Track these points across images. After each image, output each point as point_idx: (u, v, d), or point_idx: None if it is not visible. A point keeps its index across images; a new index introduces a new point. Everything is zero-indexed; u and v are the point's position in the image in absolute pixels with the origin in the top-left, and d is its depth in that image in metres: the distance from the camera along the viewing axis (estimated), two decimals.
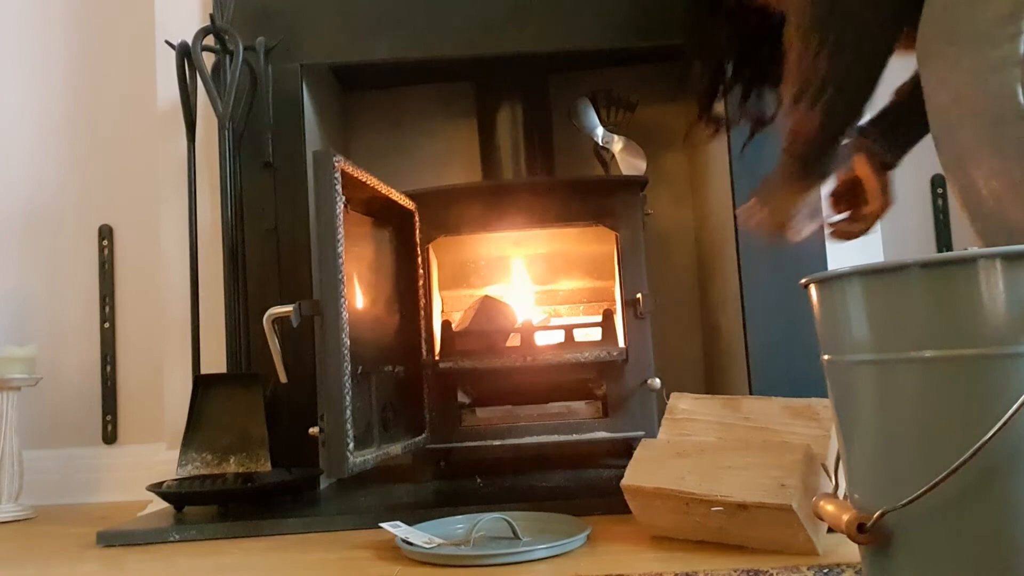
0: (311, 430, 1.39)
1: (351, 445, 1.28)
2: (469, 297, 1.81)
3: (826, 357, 0.77)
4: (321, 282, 1.31)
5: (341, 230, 1.29)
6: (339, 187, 1.32)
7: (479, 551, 1.04)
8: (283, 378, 1.39)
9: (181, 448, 1.48)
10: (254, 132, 1.63)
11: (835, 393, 0.77)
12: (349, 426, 1.27)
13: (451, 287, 1.83)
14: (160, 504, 1.50)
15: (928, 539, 0.67)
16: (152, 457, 1.67)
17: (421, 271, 1.68)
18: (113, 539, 1.30)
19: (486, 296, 1.75)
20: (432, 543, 1.07)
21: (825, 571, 0.88)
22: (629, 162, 1.78)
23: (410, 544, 1.07)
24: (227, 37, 1.61)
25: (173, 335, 1.64)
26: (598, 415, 1.65)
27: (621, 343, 1.64)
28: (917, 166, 1.94)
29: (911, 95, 1.05)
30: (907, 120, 1.09)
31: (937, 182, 1.88)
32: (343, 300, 1.29)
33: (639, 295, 1.62)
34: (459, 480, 1.59)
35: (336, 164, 1.33)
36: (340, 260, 1.29)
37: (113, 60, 2.02)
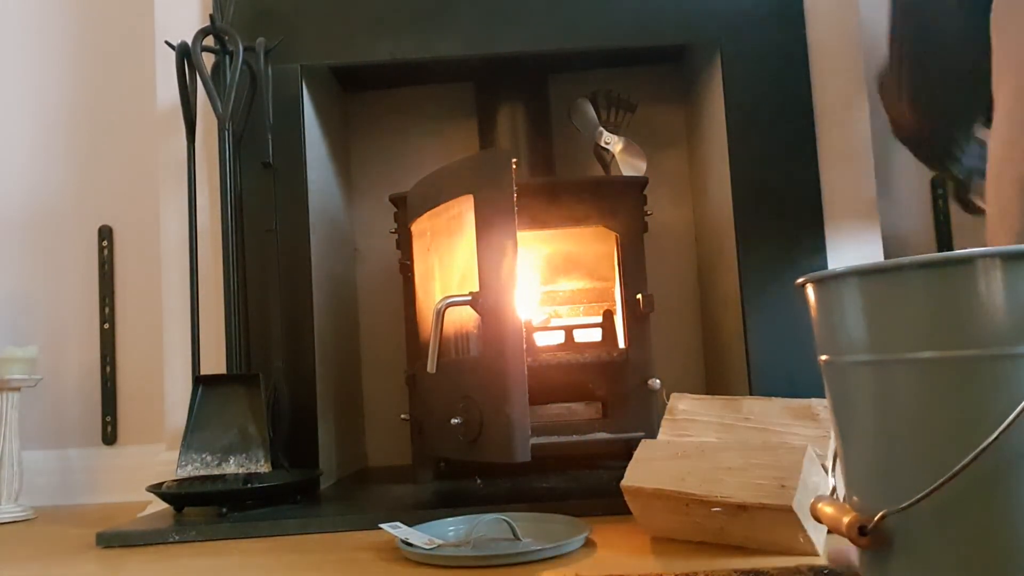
0: (452, 421, 1.41)
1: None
2: None
3: (823, 358, 0.77)
4: (502, 272, 1.35)
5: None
6: (514, 186, 1.36)
7: (479, 552, 1.04)
8: (432, 368, 1.39)
9: (181, 449, 1.48)
10: (254, 132, 1.63)
11: (833, 394, 0.77)
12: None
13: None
14: (160, 505, 1.50)
15: (929, 541, 0.66)
16: (152, 458, 1.67)
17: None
18: (113, 540, 1.30)
19: None
20: (432, 544, 1.07)
21: (825, 572, 0.88)
22: (629, 162, 1.78)
23: (410, 545, 1.07)
24: (227, 37, 1.61)
25: (173, 335, 1.64)
26: (598, 416, 1.64)
27: (621, 344, 1.63)
28: (918, 166, 1.94)
29: None
30: None
31: (937, 183, 1.88)
32: (517, 291, 1.35)
33: (639, 295, 1.62)
34: (459, 481, 1.59)
35: (513, 164, 1.38)
36: (516, 252, 1.34)
37: (113, 60, 2.02)
